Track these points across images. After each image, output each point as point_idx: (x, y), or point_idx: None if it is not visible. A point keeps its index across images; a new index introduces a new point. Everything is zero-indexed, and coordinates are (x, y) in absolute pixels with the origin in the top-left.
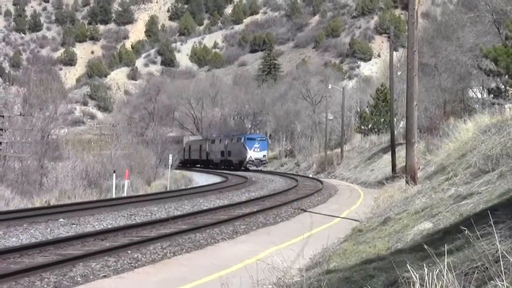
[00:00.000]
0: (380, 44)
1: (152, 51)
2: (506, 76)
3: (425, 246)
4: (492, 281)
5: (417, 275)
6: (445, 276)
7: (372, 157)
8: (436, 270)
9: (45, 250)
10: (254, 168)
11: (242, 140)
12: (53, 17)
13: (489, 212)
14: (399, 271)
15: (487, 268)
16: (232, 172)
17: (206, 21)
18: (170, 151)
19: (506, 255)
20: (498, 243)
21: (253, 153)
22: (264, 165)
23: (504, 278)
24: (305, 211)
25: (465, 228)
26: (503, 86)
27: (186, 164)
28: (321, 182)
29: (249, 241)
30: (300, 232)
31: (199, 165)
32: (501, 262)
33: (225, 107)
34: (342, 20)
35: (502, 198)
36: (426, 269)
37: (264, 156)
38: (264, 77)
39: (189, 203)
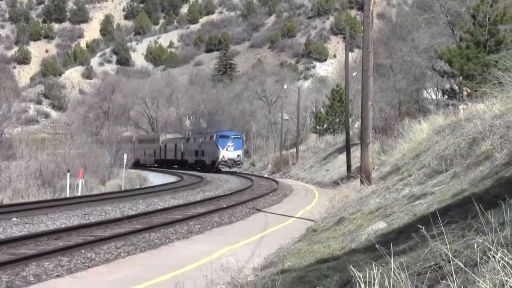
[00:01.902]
0: (335, 45)
1: (107, 50)
2: (460, 77)
3: (377, 246)
4: (444, 281)
5: (371, 275)
6: (397, 276)
7: (328, 157)
8: (389, 270)
9: None
10: (227, 169)
11: (214, 138)
12: (7, 15)
13: (442, 212)
14: (353, 271)
15: (439, 267)
16: (188, 172)
17: (161, 21)
18: (125, 150)
19: (454, 258)
20: (450, 243)
21: (226, 153)
22: (238, 166)
23: (455, 278)
24: (260, 211)
25: (419, 228)
26: (457, 87)
27: (163, 164)
28: (276, 182)
29: (204, 241)
30: (255, 231)
31: (176, 166)
32: (452, 263)
33: (180, 107)
34: (297, 21)
35: (455, 198)
36: (379, 269)
37: (238, 156)
38: (219, 77)
39: (143, 202)
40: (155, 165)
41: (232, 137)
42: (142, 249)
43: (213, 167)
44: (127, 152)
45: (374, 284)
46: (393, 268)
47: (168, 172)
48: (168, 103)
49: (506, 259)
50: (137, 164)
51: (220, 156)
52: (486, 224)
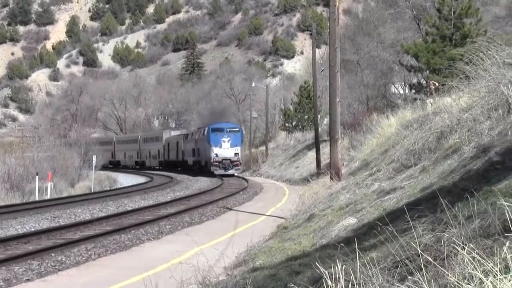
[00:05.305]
0: (302, 42)
1: (74, 52)
2: (427, 71)
3: (341, 245)
4: (414, 275)
5: (341, 271)
6: (368, 271)
7: (297, 154)
8: (360, 266)
9: None
10: (221, 172)
11: (206, 132)
12: None
13: (412, 206)
14: (324, 267)
15: (410, 262)
16: (158, 173)
17: (128, 21)
18: (94, 151)
19: (423, 252)
20: (419, 237)
21: (220, 151)
22: (237, 168)
23: (425, 272)
24: (230, 209)
25: (388, 223)
26: (424, 81)
27: (167, 166)
28: (246, 180)
29: (174, 241)
30: (226, 230)
31: (179, 168)
32: (421, 257)
33: (148, 107)
34: (264, 18)
35: (424, 193)
36: (347, 265)
37: (236, 154)
38: (187, 76)
39: (113, 204)
40: (159, 167)
41: (227, 129)
42: (113, 251)
43: (207, 169)
44: (132, 153)
45: (346, 280)
46: (363, 263)
47: (137, 173)
48: (136, 104)
49: (474, 253)
50: (143, 167)
51: (212, 155)
52: (455, 217)
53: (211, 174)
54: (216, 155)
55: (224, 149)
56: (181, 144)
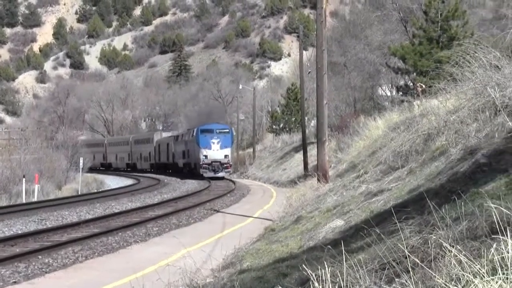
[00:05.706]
0: (290, 44)
1: (61, 54)
2: (414, 74)
3: (328, 247)
4: (401, 277)
5: (329, 273)
6: (355, 273)
7: (284, 156)
8: (348, 268)
9: None
10: (211, 175)
11: (195, 133)
12: None
13: (399, 208)
14: (311, 269)
15: (397, 263)
16: (146, 175)
17: (115, 23)
18: (81, 153)
19: (410, 254)
20: (407, 239)
21: (209, 152)
22: (227, 171)
23: (412, 274)
24: (218, 211)
25: (376, 225)
26: (411, 83)
27: (158, 169)
28: (233, 182)
29: (162, 243)
30: (214, 232)
31: (169, 171)
32: (408, 259)
33: (136, 109)
34: (251, 20)
35: (411, 194)
36: (335, 267)
37: (226, 156)
38: (175, 78)
39: (101, 206)
40: (151, 170)
41: (217, 131)
42: (100, 253)
43: (197, 171)
44: (124, 155)
45: (333, 282)
46: (350, 265)
47: (124, 175)
48: (123, 106)
49: (461, 255)
50: (134, 169)
51: (201, 157)
52: (442, 219)
53: (200, 177)
54: (206, 157)
55: (214, 151)
56: (172, 146)
